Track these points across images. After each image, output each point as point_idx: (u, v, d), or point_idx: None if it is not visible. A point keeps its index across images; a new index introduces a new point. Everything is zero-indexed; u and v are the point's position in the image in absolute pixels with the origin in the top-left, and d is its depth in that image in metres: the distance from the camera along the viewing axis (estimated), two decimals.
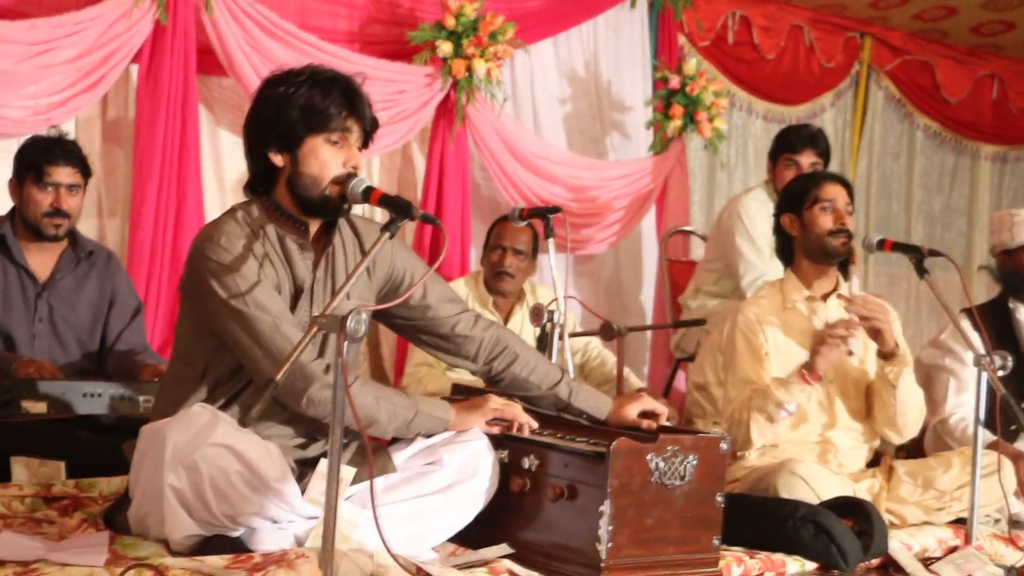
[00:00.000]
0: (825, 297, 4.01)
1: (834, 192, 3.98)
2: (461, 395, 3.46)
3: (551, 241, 4.25)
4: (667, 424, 3.28)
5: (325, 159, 2.94)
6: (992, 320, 4.37)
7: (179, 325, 3.07)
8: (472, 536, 3.05)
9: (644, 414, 3.27)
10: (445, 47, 5.59)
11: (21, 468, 3.53)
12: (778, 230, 4.10)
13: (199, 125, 5.23)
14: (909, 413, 3.89)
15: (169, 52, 5.01)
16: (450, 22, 5.60)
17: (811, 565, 3.35)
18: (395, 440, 3.11)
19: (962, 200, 8.57)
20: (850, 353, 3.70)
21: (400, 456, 3.04)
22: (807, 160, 5.32)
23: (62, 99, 4.83)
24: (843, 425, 3.97)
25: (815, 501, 3.53)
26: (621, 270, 6.78)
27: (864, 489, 3.83)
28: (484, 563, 2.90)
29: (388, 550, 2.68)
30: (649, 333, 6.61)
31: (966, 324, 4.30)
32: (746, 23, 7.23)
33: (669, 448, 2.96)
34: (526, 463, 3.04)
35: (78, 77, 4.85)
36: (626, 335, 4.46)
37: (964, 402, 4.52)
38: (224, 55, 5.13)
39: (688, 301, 5.65)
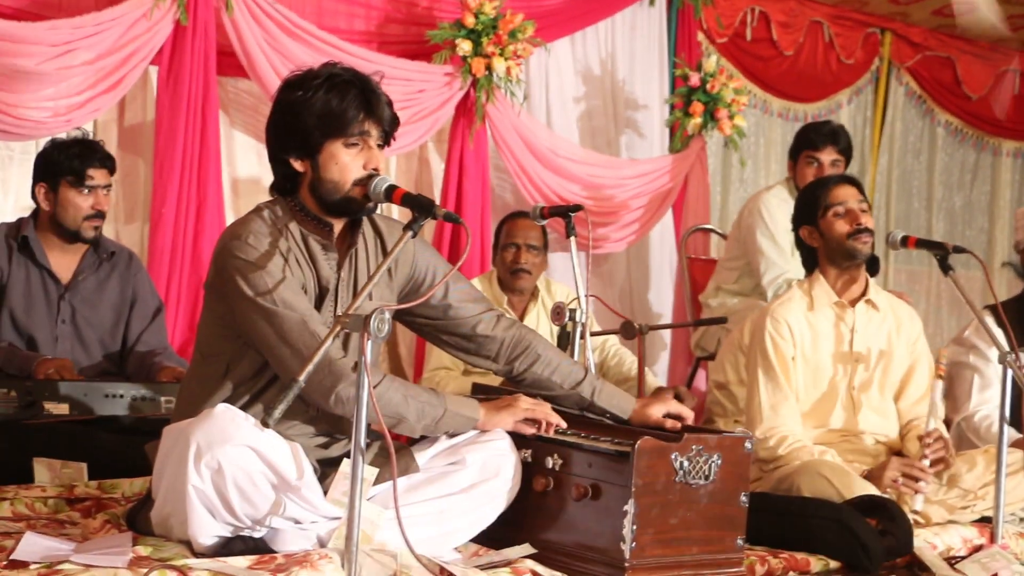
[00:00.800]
0: (854, 302, 4.00)
1: (843, 194, 3.97)
2: (482, 394, 3.45)
3: (573, 240, 4.24)
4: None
5: (345, 163, 2.94)
6: (1016, 316, 4.34)
7: (202, 323, 3.07)
8: (495, 536, 3.04)
9: (668, 416, 3.26)
10: (465, 46, 5.58)
11: (44, 469, 3.54)
12: (799, 243, 4.09)
13: (219, 126, 5.23)
14: None
15: (189, 53, 5.01)
16: (470, 20, 5.59)
17: (835, 564, 3.33)
18: (417, 440, 3.11)
19: (983, 196, 8.52)
20: (914, 511, 3.69)
21: (423, 456, 3.03)
22: (828, 157, 5.30)
23: (82, 100, 4.84)
24: (865, 430, 3.97)
25: (839, 500, 3.51)
26: (637, 268, 6.77)
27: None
28: (507, 563, 2.89)
29: (411, 550, 2.68)
30: (668, 331, 6.59)
31: (990, 320, 4.27)
32: (765, 19, 7.20)
33: (693, 447, 2.94)
34: (549, 462, 3.03)
35: (98, 78, 4.85)
36: (647, 334, 4.45)
37: (988, 399, 4.50)
38: (244, 55, 5.14)
39: (708, 299, 5.64)
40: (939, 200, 8.29)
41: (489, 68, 5.66)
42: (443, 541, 2.95)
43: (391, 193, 2.91)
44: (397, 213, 5.59)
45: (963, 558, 3.58)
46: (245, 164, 5.48)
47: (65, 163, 4.14)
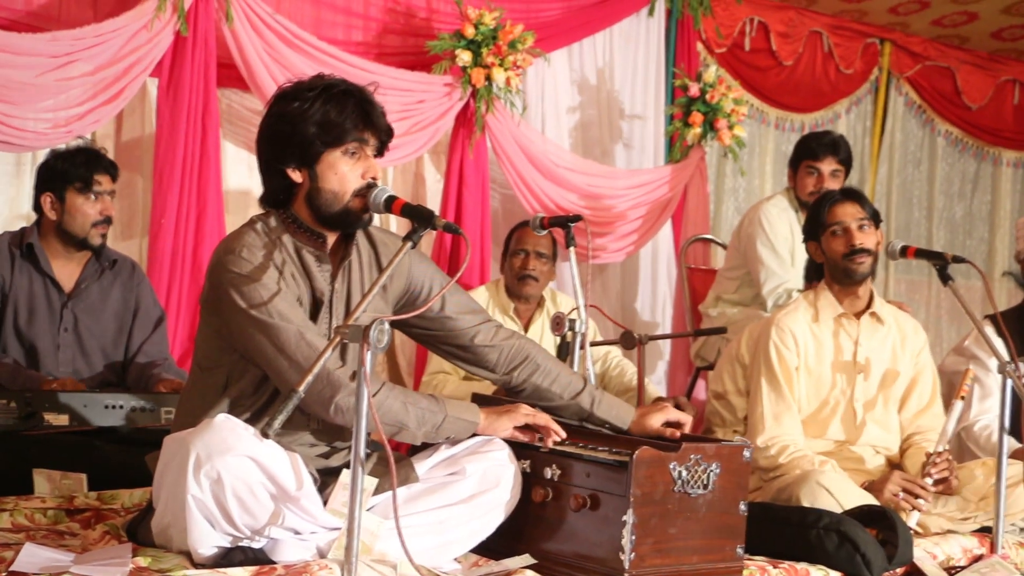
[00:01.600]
0: (858, 315, 4.01)
1: (841, 213, 3.99)
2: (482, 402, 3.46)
3: (572, 250, 4.24)
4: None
5: (344, 173, 2.94)
6: (1016, 326, 4.34)
7: (199, 336, 3.06)
8: (494, 546, 3.04)
9: (668, 424, 3.26)
10: (464, 56, 5.59)
11: (43, 480, 3.54)
12: (809, 258, 4.14)
13: (220, 136, 5.24)
14: None
15: (190, 63, 5.02)
16: (469, 31, 5.60)
17: (835, 574, 3.32)
18: (417, 450, 3.11)
19: (984, 206, 8.52)
20: (916, 534, 3.69)
21: (422, 466, 3.04)
22: (828, 167, 5.30)
23: (82, 112, 4.84)
24: (865, 442, 3.98)
25: (838, 511, 3.51)
26: (636, 278, 6.77)
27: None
28: (506, 573, 2.89)
29: (410, 560, 2.69)
30: (668, 342, 6.60)
31: (990, 330, 4.28)
32: (764, 29, 7.21)
33: (692, 457, 2.94)
34: (548, 473, 3.04)
35: (98, 90, 4.86)
36: (647, 344, 4.45)
37: (988, 409, 4.50)
38: (244, 66, 5.15)
39: (708, 309, 5.64)
40: (940, 210, 8.29)
41: (489, 78, 5.67)
42: (443, 551, 2.95)
43: (391, 204, 2.91)
44: (395, 224, 5.61)
45: (963, 568, 3.58)
46: (235, 175, 5.47)
47: (72, 171, 4.17)
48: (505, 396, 3.63)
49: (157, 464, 2.85)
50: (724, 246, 6.30)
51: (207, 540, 2.70)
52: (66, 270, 4.24)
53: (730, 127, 6.40)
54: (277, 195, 3.00)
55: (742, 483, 3.04)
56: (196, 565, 2.72)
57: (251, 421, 2.89)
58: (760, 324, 4.15)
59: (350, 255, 3.06)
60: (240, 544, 2.75)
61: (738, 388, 4.20)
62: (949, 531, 3.81)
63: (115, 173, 4.27)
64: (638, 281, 6.78)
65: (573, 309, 4.09)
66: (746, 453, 3.04)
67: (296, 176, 2.96)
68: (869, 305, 4.04)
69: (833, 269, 4.00)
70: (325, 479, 2.90)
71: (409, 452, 3.16)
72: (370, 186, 2.96)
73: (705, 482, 2.96)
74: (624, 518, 2.85)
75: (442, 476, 3.03)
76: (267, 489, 2.70)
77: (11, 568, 2.62)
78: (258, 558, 2.74)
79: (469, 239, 3.02)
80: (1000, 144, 8.42)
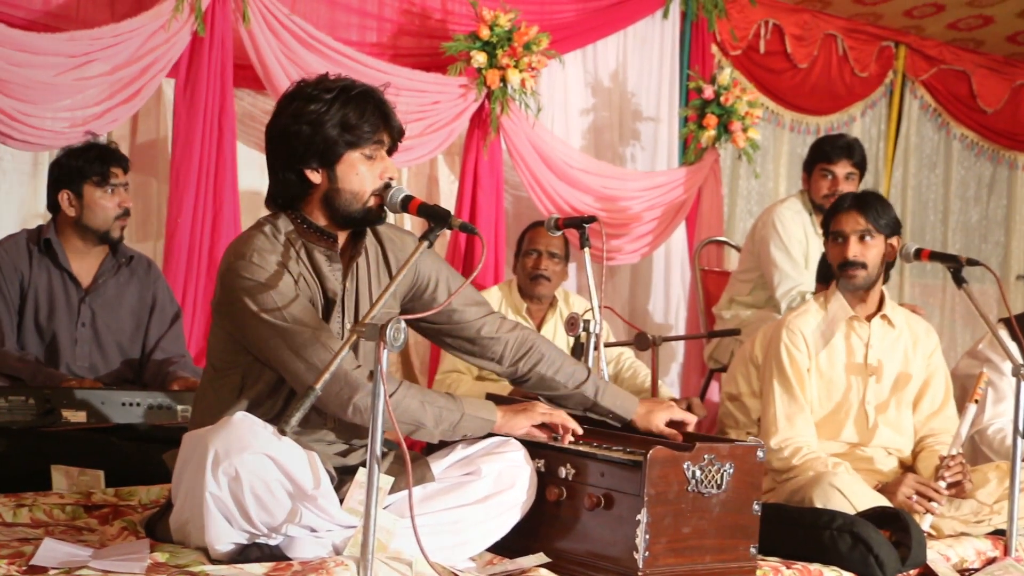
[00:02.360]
0: (870, 318, 4.02)
1: (843, 221, 3.99)
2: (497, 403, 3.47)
3: (587, 251, 4.26)
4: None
5: (364, 174, 2.96)
6: None
7: (212, 339, 3.07)
8: (509, 545, 3.05)
9: (672, 424, 3.28)
10: (480, 58, 5.61)
11: (61, 477, 3.56)
12: (821, 259, 4.17)
13: (236, 136, 5.26)
14: None
15: (206, 64, 5.04)
16: (485, 33, 5.62)
17: (848, 575, 3.33)
18: (432, 449, 3.12)
19: (999, 210, 8.51)
20: (929, 536, 3.69)
21: (438, 466, 3.05)
22: (842, 170, 5.31)
23: (100, 111, 4.86)
24: (878, 444, 3.98)
25: (851, 512, 3.51)
26: (650, 280, 6.78)
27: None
28: (521, 572, 2.90)
29: (426, 558, 2.70)
30: (681, 343, 6.60)
31: (1004, 334, 4.28)
32: (779, 32, 7.22)
33: (705, 457, 2.95)
34: (562, 472, 3.05)
35: (115, 90, 4.88)
36: (660, 345, 4.47)
37: (1002, 412, 4.49)
38: (261, 67, 5.17)
39: (722, 311, 5.65)
40: (955, 214, 8.28)
41: (504, 80, 5.69)
42: (458, 550, 2.96)
43: (407, 203, 2.93)
44: (410, 223, 5.63)
45: (976, 570, 3.58)
46: (250, 177, 5.49)
47: (87, 166, 4.20)
48: (521, 396, 3.65)
49: (175, 461, 2.87)
50: (738, 248, 6.31)
51: (224, 537, 2.72)
52: (84, 265, 4.28)
53: (744, 129, 6.41)
54: (291, 196, 3.01)
55: (756, 483, 3.05)
56: (213, 561, 2.74)
57: (269, 422, 2.91)
58: (773, 325, 4.16)
59: (361, 253, 3.07)
60: (257, 541, 2.76)
61: (752, 390, 4.21)
62: (963, 533, 3.81)
63: (127, 166, 4.31)
64: (651, 283, 6.79)
65: (587, 310, 4.11)
66: (759, 453, 3.05)
67: (315, 177, 2.97)
68: (880, 308, 4.04)
69: (836, 275, 4.02)
70: (342, 477, 2.92)
71: (425, 451, 3.17)
72: (387, 186, 2.97)
73: (719, 482, 2.97)
74: (638, 517, 2.86)
75: (458, 476, 3.04)
76: (284, 487, 2.71)
77: (31, 562, 2.64)
78: (274, 555, 2.76)
79: (484, 239, 3.03)
80: (1016, 148, 8.41)
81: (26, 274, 4.18)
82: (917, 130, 8.01)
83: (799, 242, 5.36)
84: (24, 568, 2.62)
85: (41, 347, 4.17)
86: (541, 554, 3.00)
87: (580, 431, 3.14)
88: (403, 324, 2.53)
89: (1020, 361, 3.64)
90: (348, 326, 3.01)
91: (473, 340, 3.26)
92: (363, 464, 2.74)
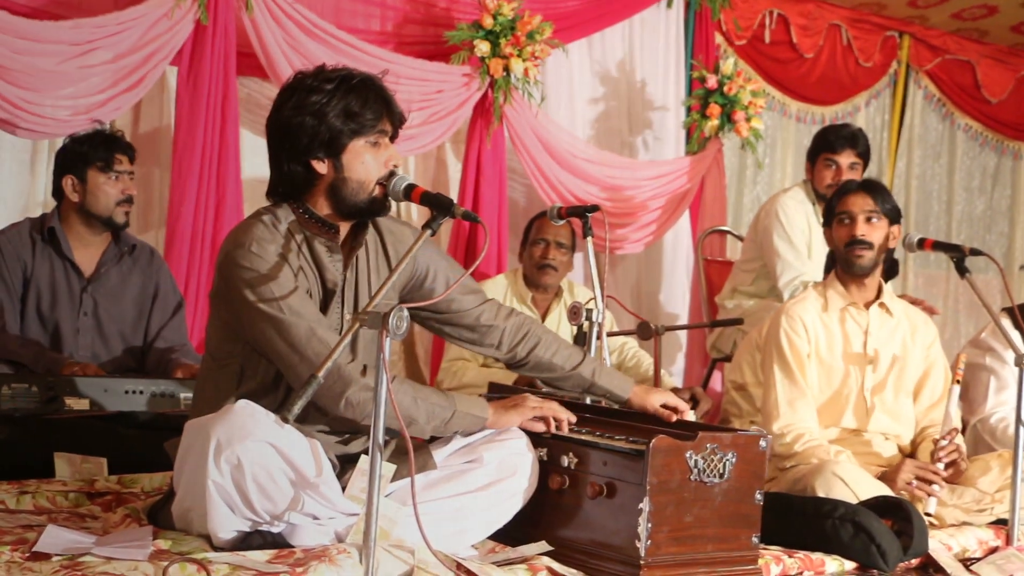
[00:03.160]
0: (868, 305, 4.02)
1: (851, 202, 4.01)
2: (497, 393, 3.47)
3: (589, 240, 4.26)
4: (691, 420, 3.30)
5: (369, 162, 2.96)
6: None
7: (210, 328, 3.07)
8: (511, 533, 3.06)
9: (665, 407, 3.30)
10: (483, 47, 5.60)
11: (64, 464, 3.57)
12: (829, 251, 4.19)
13: (239, 124, 5.26)
14: None
15: (209, 52, 5.04)
16: (488, 22, 5.61)
17: (850, 565, 3.34)
18: (435, 437, 3.13)
19: (1004, 201, 8.49)
20: (927, 514, 3.70)
21: (440, 454, 3.05)
22: (846, 160, 5.31)
23: (103, 99, 4.87)
24: (875, 430, 3.99)
25: (853, 501, 3.52)
26: (653, 269, 6.78)
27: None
28: (523, 560, 2.90)
29: (428, 546, 2.70)
30: (684, 333, 6.60)
31: (1007, 323, 4.28)
32: (784, 22, 7.21)
33: (708, 446, 2.95)
34: (565, 461, 3.05)
35: (118, 77, 4.88)
36: (663, 335, 4.47)
37: (1004, 401, 4.50)
38: (264, 55, 5.16)
39: (724, 301, 5.65)
40: (959, 204, 8.27)
41: (507, 69, 5.68)
42: (460, 538, 2.97)
43: (410, 192, 2.93)
44: (416, 212, 5.63)
45: (978, 559, 3.58)
46: (254, 165, 5.49)
47: (91, 152, 4.22)
48: (525, 386, 3.65)
49: (177, 450, 2.88)
50: (740, 238, 6.30)
51: (227, 524, 2.73)
52: (86, 254, 4.28)
53: (747, 119, 6.40)
54: (295, 187, 3.00)
55: (758, 472, 3.05)
56: (216, 548, 2.74)
57: (270, 411, 2.91)
58: (774, 313, 4.17)
59: (362, 245, 3.07)
60: (259, 528, 2.77)
61: (758, 379, 4.22)
62: (964, 523, 3.82)
63: (132, 154, 4.33)
64: (655, 272, 6.79)
65: (590, 299, 4.11)
66: (762, 443, 3.05)
67: (321, 167, 2.96)
68: (878, 296, 4.05)
69: (839, 258, 4.02)
70: (344, 465, 2.93)
71: (427, 439, 3.18)
72: (391, 174, 2.97)
73: (721, 471, 2.97)
74: (640, 506, 2.86)
75: (460, 464, 3.05)
76: (286, 475, 2.72)
77: (34, 548, 2.65)
78: (277, 542, 2.76)
79: (487, 228, 3.03)
80: (1020, 138, 8.39)
81: (29, 263, 4.19)
82: (921, 120, 8.00)
83: (802, 231, 5.36)
84: (27, 554, 2.62)
85: (44, 336, 4.18)
86: (543, 542, 3.00)
87: (574, 419, 3.16)
88: (405, 312, 2.53)
89: (1023, 350, 3.64)
90: (347, 317, 3.01)
91: (472, 328, 3.27)
92: (365, 452, 2.74)
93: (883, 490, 3.64)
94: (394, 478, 2.86)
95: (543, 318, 4.96)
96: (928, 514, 3.70)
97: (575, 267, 5.69)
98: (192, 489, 2.76)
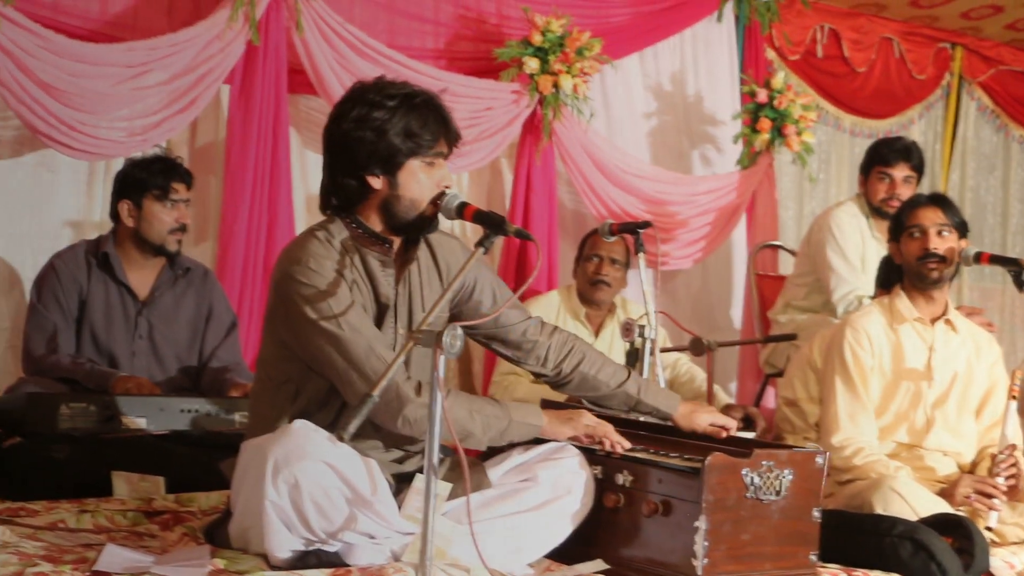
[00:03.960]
0: (934, 320, 3.99)
1: (922, 216, 3.99)
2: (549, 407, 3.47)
3: (641, 256, 4.25)
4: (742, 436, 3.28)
5: (423, 182, 2.97)
6: None
7: (264, 349, 3.07)
8: (567, 552, 3.05)
9: (713, 425, 3.29)
10: (532, 63, 5.61)
11: (122, 483, 3.60)
12: (889, 258, 4.14)
13: (290, 143, 5.29)
14: None
15: (261, 72, 5.07)
16: (537, 39, 5.61)
17: None
18: (489, 455, 3.12)
19: None
20: (988, 528, 3.66)
21: (495, 472, 3.05)
22: (900, 173, 5.27)
23: (157, 120, 4.90)
24: (935, 447, 3.95)
25: (913, 518, 3.48)
26: (707, 285, 6.75)
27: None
28: None
29: (484, 565, 2.70)
30: (737, 348, 6.56)
31: None
32: (835, 36, 7.17)
33: (764, 463, 2.93)
34: (620, 479, 3.04)
35: (172, 98, 4.92)
36: (716, 350, 4.44)
37: None
38: (314, 74, 5.19)
39: (778, 316, 5.61)
40: (1015, 216, 8.17)
41: (556, 86, 5.68)
42: (516, 557, 2.96)
43: (463, 210, 2.93)
44: (470, 229, 5.63)
45: None
46: (306, 183, 5.52)
47: (149, 179, 4.26)
48: (575, 403, 3.64)
49: (232, 469, 2.89)
50: (792, 252, 6.26)
51: (284, 544, 2.73)
52: (141, 278, 4.32)
53: (799, 133, 6.37)
54: (349, 200, 3.01)
55: (815, 489, 3.03)
56: (273, 567, 2.75)
57: (325, 429, 2.92)
58: (833, 328, 4.14)
59: (414, 260, 3.08)
60: (315, 547, 2.77)
61: (810, 394, 4.18)
62: None
63: (190, 181, 4.37)
64: (714, 287, 6.76)
65: (643, 315, 4.09)
66: (819, 460, 3.03)
67: (376, 183, 2.97)
68: (945, 312, 4.01)
69: (908, 272, 3.99)
70: (399, 484, 2.92)
71: (481, 457, 3.17)
72: (442, 193, 2.98)
73: (778, 488, 2.95)
74: (696, 524, 2.84)
75: (515, 482, 3.04)
76: (343, 494, 2.72)
77: (95, 568, 2.67)
78: (333, 561, 2.77)
79: (539, 245, 3.03)
80: None
81: (84, 286, 4.23)
82: (975, 132, 7.91)
83: (855, 246, 5.32)
84: (88, 573, 2.65)
85: (99, 359, 4.21)
86: (599, 560, 2.99)
87: (628, 445, 3.13)
88: (459, 331, 2.53)
89: None
90: (401, 332, 3.02)
91: (519, 344, 3.27)
92: (420, 471, 2.74)
93: (943, 507, 3.60)
94: (449, 497, 2.86)
95: (596, 334, 4.95)
96: (989, 528, 3.65)
97: (629, 281, 5.69)
98: (250, 509, 2.77)
